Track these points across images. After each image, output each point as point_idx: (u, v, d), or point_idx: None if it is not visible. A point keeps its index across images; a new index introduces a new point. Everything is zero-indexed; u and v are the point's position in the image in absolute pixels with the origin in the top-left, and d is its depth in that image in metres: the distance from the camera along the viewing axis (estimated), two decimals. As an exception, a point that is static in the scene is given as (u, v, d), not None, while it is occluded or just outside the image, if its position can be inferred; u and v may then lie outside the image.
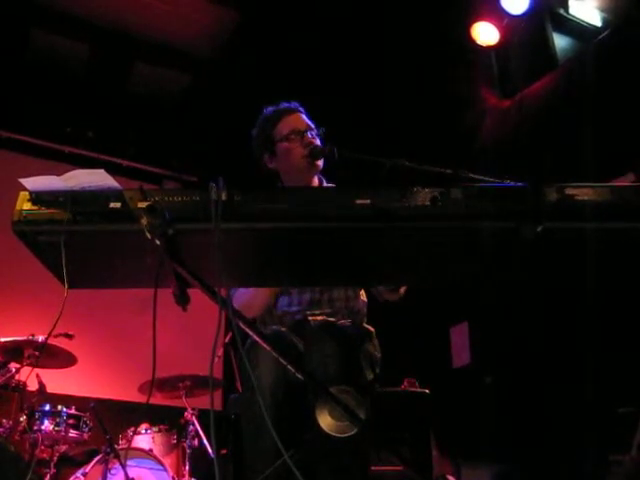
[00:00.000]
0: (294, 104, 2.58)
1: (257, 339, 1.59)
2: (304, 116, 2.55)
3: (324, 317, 2.37)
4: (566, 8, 4.48)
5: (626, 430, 2.95)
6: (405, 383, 3.56)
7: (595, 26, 4.46)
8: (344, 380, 1.87)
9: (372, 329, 2.46)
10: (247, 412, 2.18)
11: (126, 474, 3.65)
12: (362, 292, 2.53)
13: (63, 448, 4.04)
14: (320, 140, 2.50)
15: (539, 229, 1.32)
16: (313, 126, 2.53)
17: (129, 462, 3.89)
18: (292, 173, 2.50)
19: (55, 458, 3.93)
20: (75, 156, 6.19)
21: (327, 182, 2.58)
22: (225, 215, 1.31)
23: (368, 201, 1.34)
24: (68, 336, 3.94)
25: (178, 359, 4.39)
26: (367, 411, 1.57)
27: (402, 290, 2.32)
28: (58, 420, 3.95)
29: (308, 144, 2.43)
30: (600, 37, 4.25)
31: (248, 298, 2.34)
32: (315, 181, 2.52)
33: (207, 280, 1.41)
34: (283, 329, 2.38)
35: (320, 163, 2.45)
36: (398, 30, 4.90)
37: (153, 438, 4.33)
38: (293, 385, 2.04)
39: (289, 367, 1.55)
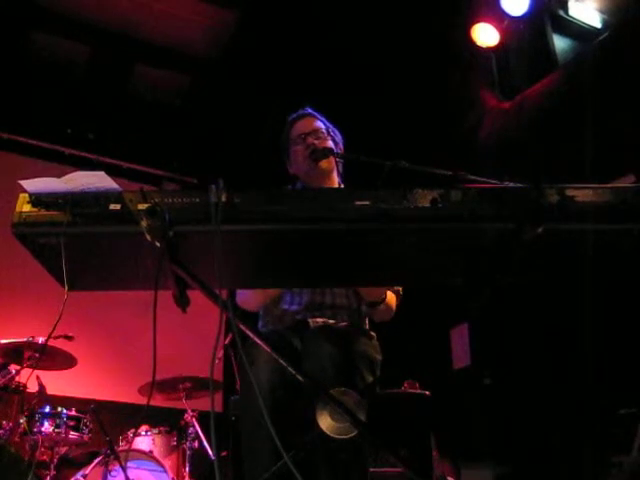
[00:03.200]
0: (307, 109, 2.61)
1: (256, 341, 1.59)
2: (315, 119, 2.56)
3: (324, 319, 2.37)
4: (566, 9, 4.49)
5: (627, 431, 2.94)
6: (406, 385, 3.57)
7: (595, 27, 4.46)
8: (341, 381, 1.87)
9: (373, 332, 2.46)
10: (245, 412, 2.18)
11: (126, 476, 3.65)
12: None
13: (63, 450, 4.04)
14: (333, 142, 2.50)
15: (540, 230, 1.32)
16: (324, 128, 2.53)
17: (129, 464, 3.89)
18: (301, 176, 2.54)
19: (55, 460, 3.93)
20: (75, 158, 6.20)
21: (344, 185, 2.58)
22: (225, 217, 1.31)
23: (368, 202, 1.34)
24: (68, 338, 3.94)
25: (178, 361, 4.39)
26: (367, 413, 1.57)
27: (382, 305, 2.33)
28: (58, 422, 3.94)
29: (308, 146, 2.43)
30: (600, 38, 4.25)
31: (247, 293, 2.35)
32: (331, 183, 2.51)
33: (207, 282, 1.41)
34: (281, 328, 2.38)
35: (323, 164, 2.43)
36: (398, 31, 4.90)
37: (153, 440, 4.32)
38: (292, 385, 2.04)
39: (289, 369, 1.55)
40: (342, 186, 2.56)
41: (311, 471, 1.98)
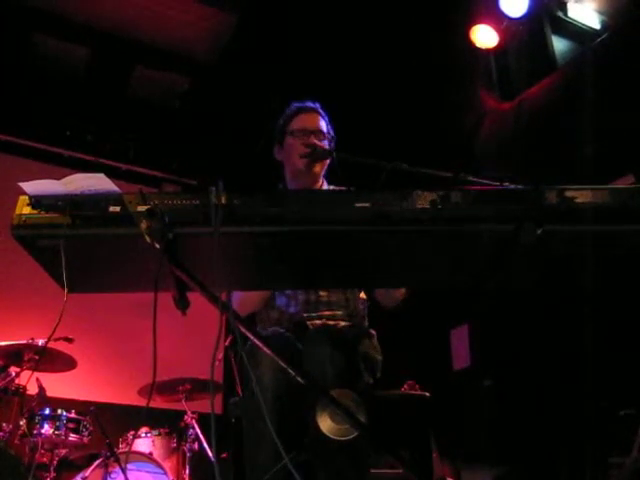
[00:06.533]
0: (316, 104, 2.61)
1: (257, 342, 1.59)
2: (320, 119, 2.56)
3: (323, 320, 2.37)
4: (565, 11, 4.49)
5: (627, 432, 2.94)
6: (406, 386, 3.57)
7: (594, 29, 4.46)
8: (341, 383, 1.87)
9: (373, 331, 2.45)
10: (248, 414, 2.18)
11: (126, 478, 3.65)
12: (362, 294, 2.53)
13: (63, 452, 4.03)
14: (329, 145, 2.50)
15: (539, 232, 1.32)
16: (326, 131, 2.53)
17: (129, 466, 3.88)
18: (290, 170, 2.54)
19: (55, 462, 3.92)
20: (74, 160, 6.19)
21: (328, 185, 2.57)
22: (224, 219, 1.31)
23: (368, 204, 1.34)
24: (68, 340, 3.94)
25: (178, 362, 4.38)
26: (367, 414, 1.57)
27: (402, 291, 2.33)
28: (58, 424, 3.94)
29: (308, 145, 2.43)
30: (599, 40, 4.26)
31: (241, 295, 2.35)
32: (318, 184, 2.52)
33: (207, 283, 1.41)
34: (282, 330, 2.38)
35: (317, 167, 2.44)
36: (398, 33, 4.90)
37: (153, 442, 4.32)
38: (295, 386, 2.04)
39: (289, 370, 1.55)
40: (325, 186, 2.56)
41: (312, 473, 1.98)
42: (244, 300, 2.36)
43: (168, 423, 4.51)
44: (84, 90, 6.01)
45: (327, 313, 2.38)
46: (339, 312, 2.40)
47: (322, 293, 2.40)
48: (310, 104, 2.59)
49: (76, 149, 6.23)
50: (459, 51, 4.86)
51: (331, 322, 2.37)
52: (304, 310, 2.38)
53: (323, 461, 2.00)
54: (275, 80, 5.44)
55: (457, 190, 1.36)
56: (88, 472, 3.82)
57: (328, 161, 2.49)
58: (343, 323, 2.38)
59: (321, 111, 2.59)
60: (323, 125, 2.54)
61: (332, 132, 2.58)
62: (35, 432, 3.85)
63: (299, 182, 2.49)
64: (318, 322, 2.36)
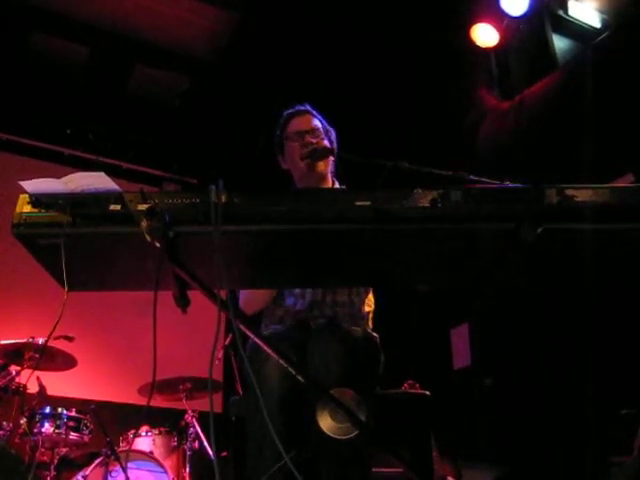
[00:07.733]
0: (305, 106, 2.59)
1: (257, 341, 1.59)
2: (313, 118, 2.55)
3: (326, 320, 2.36)
4: (565, 9, 4.49)
5: (627, 432, 2.94)
6: (406, 385, 3.57)
7: (594, 27, 4.47)
8: (345, 382, 1.87)
9: (375, 334, 2.45)
10: (252, 413, 2.18)
11: (127, 476, 3.65)
12: (369, 297, 2.52)
13: (63, 451, 4.04)
14: (329, 142, 2.49)
15: (539, 230, 1.32)
16: (321, 128, 2.52)
17: (129, 464, 3.88)
18: (296, 174, 2.52)
19: (55, 461, 3.93)
20: (75, 158, 6.20)
21: (340, 185, 2.56)
22: (225, 217, 1.31)
23: (368, 202, 1.34)
24: (68, 338, 3.94)
25: (178, 361, 4.39)
26: (368, 413, 1.57)
27: None
28: (58, 422, 3.94)
29: (306, 145, 2.42)
30: (599, 38, 4.26)
31: (247, 293, 2.35)
32: (327, 183, 2.51)
33: (207, 282, 1.41)
34: (284, 328, 2.37)
35: (321, 165, 2.43)
36: (398, 32, 4.90)
37: (153, 440, 4.32)
38: (300, 385, 2.04)
39: (290, 368, 1.54)
40: (337, 185, 2.55)
41: (313, 471, 1.98)
42: (250, 298, 2.36)
43: (168, 422, 4.51)
44: (84, 89, 6.01)
45: (330, 313, 2.37)
46: (343, 312, 2.39)
47: (328, 293, 2.39)
48: (299, 107, 2.59)
49: (77, 148, 6.24)
50: (460, 50, 4.86)
51: (334, 322, 2.36)
52: (308, 309, 2.37)
53: (325, 460, 2.00)
54: (276, 79, 5.44)
55: (457, 189, 1.36)
56: (88, 471, 3.82)
57: (332, 159, 2.48)
58: (346, 324, 2.37)
59: (312, 110, 2.58)
60: (317, 122, 2.53)
61: (328, 126, 2.57)
62: (35, 431, 3.85)
63: (307, 184, 2.47)
64: (321, 321, 2.35)
